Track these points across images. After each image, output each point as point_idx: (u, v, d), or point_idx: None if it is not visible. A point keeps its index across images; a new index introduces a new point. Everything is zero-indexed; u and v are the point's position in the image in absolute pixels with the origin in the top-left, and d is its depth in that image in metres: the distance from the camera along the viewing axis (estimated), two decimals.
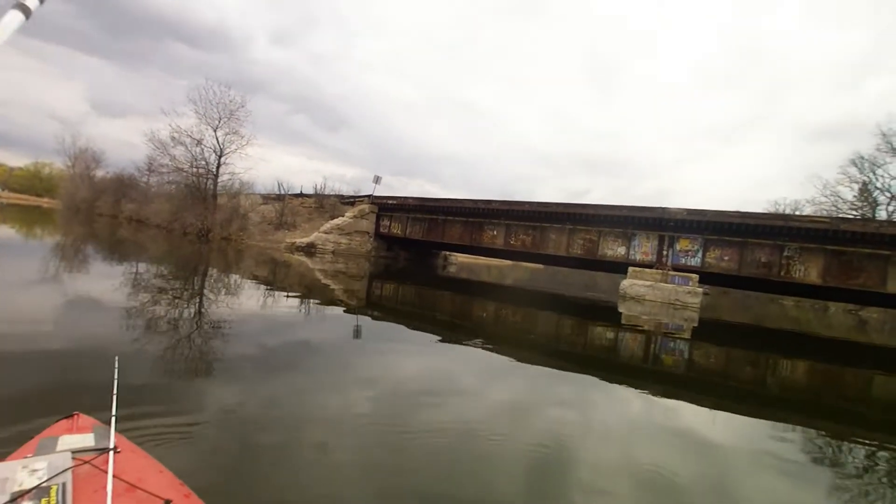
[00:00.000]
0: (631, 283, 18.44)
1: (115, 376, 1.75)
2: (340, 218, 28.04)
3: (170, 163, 27.99)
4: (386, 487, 2.58)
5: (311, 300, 10.15)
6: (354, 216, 27.92)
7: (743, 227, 17.13)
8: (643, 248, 19.12)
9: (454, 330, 8.80)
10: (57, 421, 1.56)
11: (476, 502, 2.55)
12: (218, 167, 28.20)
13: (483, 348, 7.09)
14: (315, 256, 23.45)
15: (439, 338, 7.56)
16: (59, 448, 1.32)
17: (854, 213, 33.21)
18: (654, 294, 17.69)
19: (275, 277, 13.90)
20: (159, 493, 1.21)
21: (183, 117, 27.39)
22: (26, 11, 0.85)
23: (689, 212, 17.88)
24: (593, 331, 11.65)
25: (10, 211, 35.78)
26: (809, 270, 16.45)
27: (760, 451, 4.08)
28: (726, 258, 17.67)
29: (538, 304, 16.87)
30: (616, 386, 5.99)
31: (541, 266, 42.95)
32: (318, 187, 35.43)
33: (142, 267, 11.85)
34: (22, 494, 1.04)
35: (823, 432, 4.99)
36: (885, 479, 3.79)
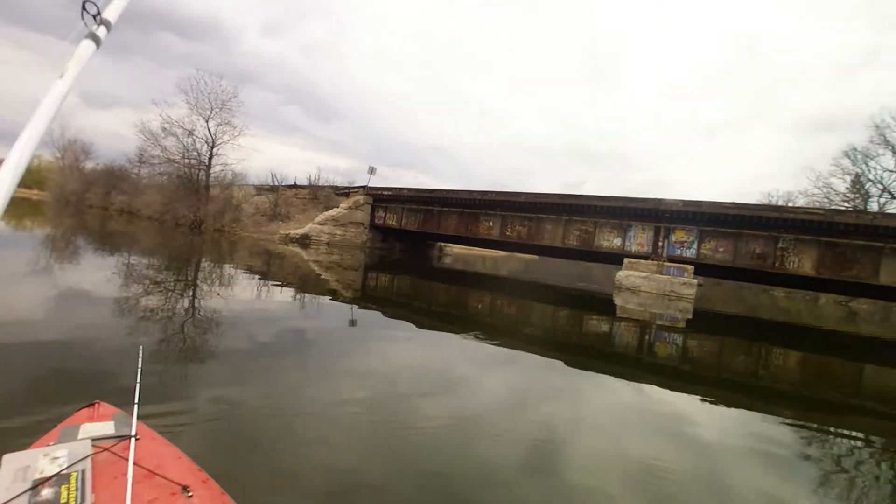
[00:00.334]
0: (627, 275, 18.47)
1: (140, 365, 1.77)
2: (335, 209, 27.83)
3: (161, 154, 27.63)
4: (383, 472, 2.65)
5: (307, 292, 10.07)
6: (349, 207, 27.73)
7: (738, 219, 17.16)
8: (639, 239, 19.13)
9: (450, 321, 8.77)
10: (78, 409, 1.58)
11: (472, 486, 2.63)
12: (210, 158, 27.86)
13: (479, 339, 7.06)
14: (310, 248, 23.30)
15: (435, 329, 7.57)
16: (80, 436, 1.34)
17: (846, 204, 33.39)
18: (650, 285, 17.73)
19: (269, 269, 13.78)
20: (178, 479, 1.24)
21: (174, 108, 26.98)
22: (97, 41, 0.89)
23: (685, 203, 17.87)
24: (589, 322, 11.66)
25: None
26: (803, 262, 16.53)
27: (750, 440, 4.16)
28: (721, 249, 17.71)
29: (534, 295, 16.87)
30: (610, 377, 5.99)
31: (535, 257, 42.96)
32: (313, 178, 35.18)
33: (134, 259, 11.69)
34: (43, 482, 1.05)
35: (813, 422, 5.05)
36: (870, 469, 3.86)
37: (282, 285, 10.34)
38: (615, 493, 2.83)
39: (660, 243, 18.58)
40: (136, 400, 1.57)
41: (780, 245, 16.77)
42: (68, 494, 1.05)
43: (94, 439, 1.32)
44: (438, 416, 3.69)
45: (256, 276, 11.24)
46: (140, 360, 1.83)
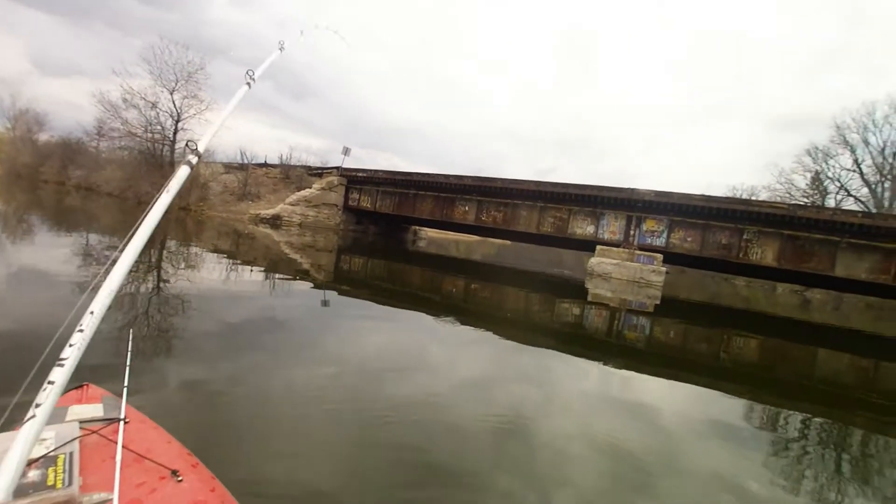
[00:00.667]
0: (599, 262, 18.84)
1: (129, 348, 1.77)
2: (308, 190, 27.17)
3: (122, 127, 26.20)
4: (356, 455, 2.72)
5: (278, 274, 9.81)
6: (322, 188, 27.12)
7: (706, 210, 17.68)
8: (611, 227, 19.49)
9: (424, 304, 8.73)
10: (67, 391, 1.51)
11: (443, 465, 2.72)
12: (175, 133, 26.65)
13: (452, 323, 7.08)
14: (281, 229, 22.73)
15: (408, 312, 7.54)
16: (68, 418, 1.32)
17: (806, 199, 35.01)
18: (621, 272, 18.16)
19: (238, 250, 13.36)
20: (167, 462, 1.22)
21: (136, 78, 25.57)
22: (250, 83, 1.19)
23: (657, 193, 18.27)
24: (561, 306, 11.86)
25: None
26: (766, 253, 17.24)
27: (709, 417, 4.45)
28: (689, 239, 18.25)
29: (507, 279, 17.02)
30: (580, 359, 6.14)
31: (508, 242, 43.40)
32: (284, 157, 34.04)
33: (93, 238, 11.09)
34: (29, 464, 1.02)
35: (767, 401, 5.40)
36: (817, 445, 4.16)
37: (252, 267, 10.04)
38: (579, 463, 3.04)
39: (631, 232, 19.00)
40: (126, 383, 1.55)
41: (744, 237, 17.42)
42: (55, 476, 1.03)
43: (82, 422, 1.30)
44: (411, 393, 3.78)
45: (225, 258, 10.88)
46: (130, 343, 1.82)
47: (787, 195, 35.95)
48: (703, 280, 37.30)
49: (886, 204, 32.16)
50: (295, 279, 9.46)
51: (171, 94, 25.89)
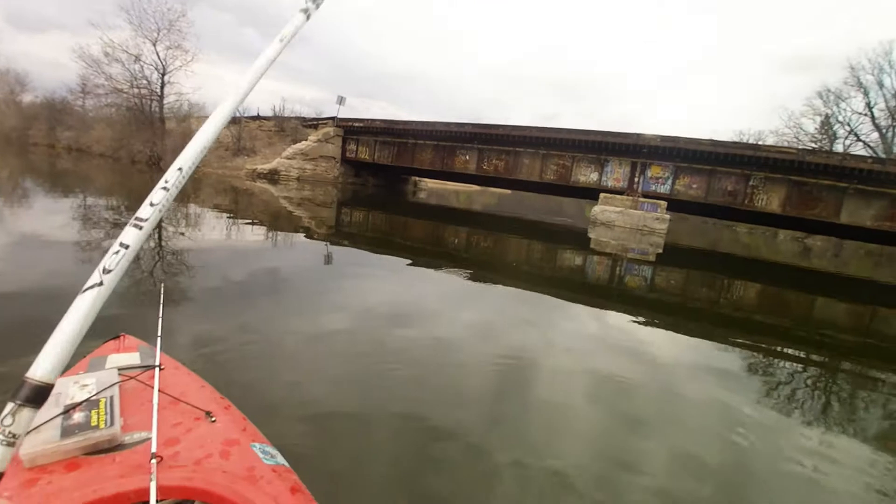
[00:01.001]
0: (602, 209, 18.67)
1: (161, 301, 1.85)
2: (303, 142, 26.49)
3: (106, 83, 25.10)
4: (364, 396, 2.84)
5: (279, 230, 9.74)
6: (318, 140, 26.43)
7: (714, 156, 17.25)
8: (615, 174, 19.13)
9: (426, 256, 8.72)
10: (105, 342, 1.66)
11: (449, 408, 2.83)
12: (162, 87, 25.61)
13: (455, 274, 7.13)
14: (279, 184, 22.39)
15: (412, 264, 7.56)
16: (107, 366, 1.41)
17: (814, 144, 33.97)
18: (624, 220, 18.03)
19: (238, 207, 13.22)
20: (201, 405, 1.30)
21: (116, 31, 24.42)
22: (308, 14, 0.99)
23: (663, 138, 17.77)
24: (563, 255, 11.87)
25: None
26: (771, 200, 16.99)
27: (705, 359, 4.66)
28: (695, 186, 17.95)
29: (509, 229, 16.95)
30: (581, 306, 6.26)
31: (508, 191, 42.95)
32: (277, 109, 32.90)
33: (91, 200, 10.90)
34: (73, 407, 1.12)
35: (763, 344, 5.58)
36: (808, 383, 4.41)
37: (252, 224, 9.94)
38: (579, 402, 3.18)
39: (636, 179, 18.67)
40: (160, 333, 1.63)
41: (751, 183, 17.11)
42: (98, 417, 1.11)
43: (120, 369, 1.39)
44: (415, 343, 3.89)
45: (225, 215, 10.76)
46: (161, 295, 1.90)
47: (795, 140, 34.95)
48: (704, 227, 37.18)
49: (895, 150, 31.38)
50: (297, 234, 9.39)
51: (154, 45, 24.65)
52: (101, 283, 0.59)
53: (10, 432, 0.41)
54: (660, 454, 2.68)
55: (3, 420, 0.42)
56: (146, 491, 0.94)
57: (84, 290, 0.59)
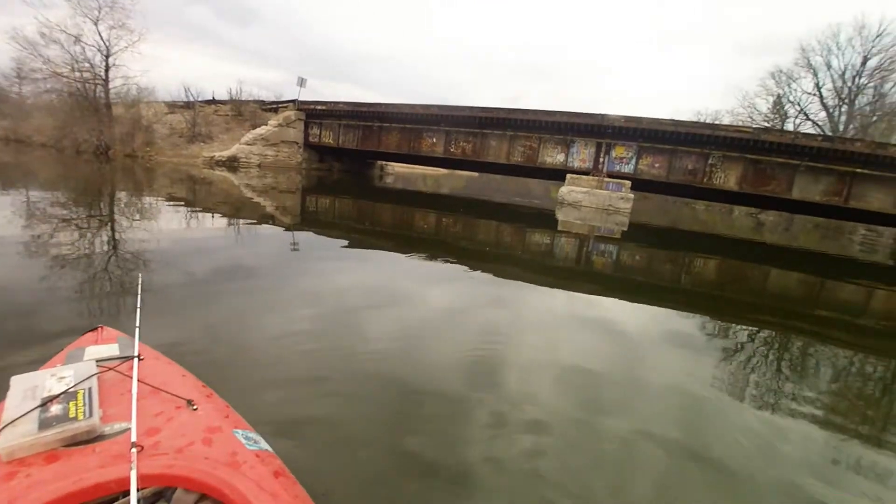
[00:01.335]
0: (569, 190, 18.91)
1: (139, 292, 1.86)
2: (263, 127, 25.47)
3: (44, 66, 23.13)
4: (340, 382, 2.86)
5: (241, 219, 9.36)
6: (279, 124, 25.47)
7: (675, 135, 17.68)
8: (581, 155, 19.36)
9: (395, 241, 8.63)
10: (83, 334, 1.65)
11: (423, 392, 2.86)
12: (107, 70, 23.81)
13: (425, 259, 7.09)
14: (239, 171, 21.52)
15: (380, 251, 7.50)
16: (85, 358, 1.40)
17: (767, 123, 35.48)
18: (590, 200, 18.35)
19: (196, 197, 12.61)
20: (183, 394, 1.30)
21: (52, 9, 22.49)
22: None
23: (627, 119, 18.05)
24: (532, 236, 12.00)
25: None
26: (729, 177, 17.64)
27: (669, 331, 4.91)
28: (657, 165, 18.40)
29: (479, 212, 16.96)
30: (550, 286, 6.36)
31: (475, 174, 42.97)
32: (234, 93, 31.29)
33: (34, 195, 10.13)
34: (51, 399, 1.11)
35: (722, 316, 5.97)
36: (764, 350, 4.72)
37: (213, 214, 9.52)
38: (549, 377, 3.31)
39: (601, 159, 18.96)
40: (138, 323, 1.62)
41: (709, 161, 17.68)
42: (76, 409, 1.10)
43: (98, 360, 1.38)
44: (387, 327, 3.89)
45: (183, 206, 10.24)
46: (139, 286, 1.91)
47: (749, 119, 36.40)
48: (665, 205, 38.39)
49: (841, 128, 33.14)
50: (260, 224, 9.06)
51: (96, 24, 22.82)
52: None
53: None
54: (625, 407, 2.97)
55: None
56: (126, 480, 0.94)
57: None
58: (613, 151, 18.82)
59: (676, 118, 18.18)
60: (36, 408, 1.07)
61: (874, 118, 32.41)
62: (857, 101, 33.47)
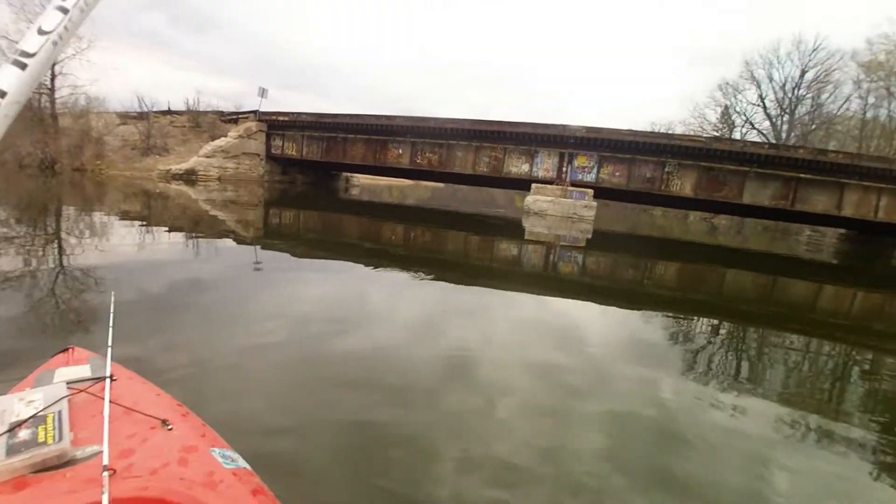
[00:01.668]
0: (535, 199, 19.26)
1: (112, 310, 1.79)
2: (223, 139, 24.73)
3: None
4: (309, 400, 2.80)
5: (201, 235, 9.01)
6: (240, 136, 24.81)
7: (633, 145, 18.38)
8: (545, 164, 19.79)
9: (362, 254, 8.50)
10: (53, 356, 1.59)
11: (393, 393, 2.93)
12: (53, 79, 22.65)
13: (392, 270, 7.03)
14: (198, 185, 20.78)
15: (346, 263, 7.42)
16: (55, 380, 1.35)
17: (716, 132, 37.57)
18: (555, 209, 18.73)
19: (151, 212, 12.06)
20: (157, 413, 1.26)
21: None
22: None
23: (588, 129, 18.63)
24: (499, 245, 12.12)
25: None
26: (685, 184, 18.46)
27: (634, 334, 5.07)
28: (617, 174, 19.04)
29: (447, 223, 17.01)
30: (518, 293, 6.47)
31: (440, 185, 43.21)
32: (191, 103, 30.33)
33: None
34: (19, 424, 1.06)
35: (683, 317, 6.19)
36: (723, 348, 4.99)
37: (169, 230, 9.11)
38: (519, 381, 3.37)
39: (564, 168, 19.43)
40: (110, 343, 1.56)
41: (666, 169, 18.45)
42: (46, 434, 1.06)
43: (69, 382, 1.32)
44: (356, 340, 3.83)
45: (137, 222, 9.76)
46: (112, 304, 1.83)
47: (700, 129, 38.46)
48: (624, 211, 39.74)
49: (784, 136, 35.46)
50: (221, 239, 8.73)
51: None
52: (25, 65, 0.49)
53: None
54: (595, 404, 3.08)
55: None
56: None
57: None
58: (576, 161, 19.34)
59: (634, 129, 18.94)
60: (3, 433, 1.04)
61: (813, 126, 34.86)
62: (797, 111, 35.98)
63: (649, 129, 28.25)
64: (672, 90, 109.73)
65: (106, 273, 5.12)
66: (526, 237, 14.06)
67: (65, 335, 3.44)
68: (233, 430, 2.04)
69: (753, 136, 36.53)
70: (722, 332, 5.66)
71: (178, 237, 8.35)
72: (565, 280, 8.16)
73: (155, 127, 26.65)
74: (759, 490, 2.30)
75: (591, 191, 18.91)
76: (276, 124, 25.38)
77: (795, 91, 35.47)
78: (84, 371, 1.45)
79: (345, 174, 31.87)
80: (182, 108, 29.58)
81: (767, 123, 37.37)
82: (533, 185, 19.63)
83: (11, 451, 1.00)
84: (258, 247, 8.16)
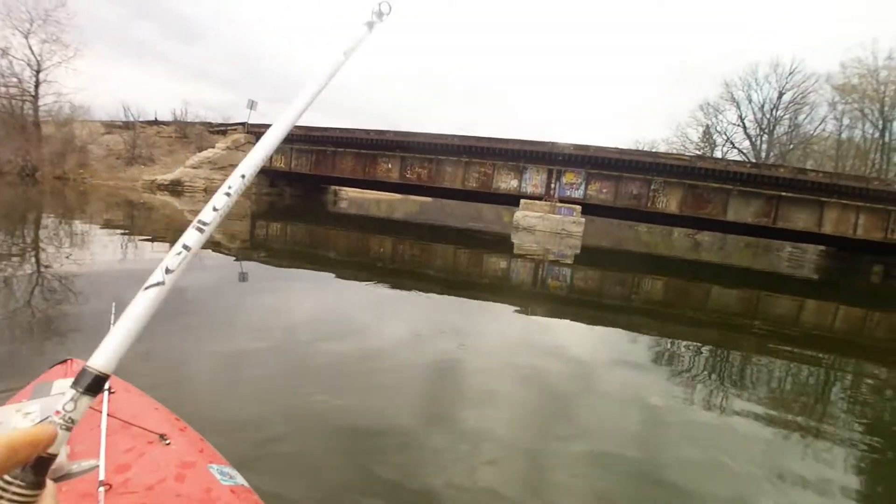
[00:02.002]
0: (524, 215, 19.39)
1: (112, 321, 1.54)
2: (211, 150, 24.54)
3: None
4: (292, 415, 2.71)
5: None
6: (228, 147, 24.64)
7: (620, 163, 18.73)
8: (534, 181, 20.00)
9: (350, 268, 8.43)
10: (51, 367, 1.58)
11: (379, 408, 2.90)
12: (37, 86, 22.39)
13: (380, 285, 6.96)
14: (183, 196, 20.52)
15: (335, 276, 7.32)
16: (53, 392, 1.33)
17: (698, 151, 38.58)
18: (544, 224, 18.88)
19: (134, 223, 11.84)
20: (155, 428, 1.25)
21: None
22: (372, 27, 0.86)
23: (576, 147, 18.92)
24: (489, 261, 12.11)
25: None
26: (670, 201, 18.80)
27: (620, 349, 5.09)
28: (605, 191, 19.32)
29: (436, 237, 16.99)
30: (507, 308, 6.41)
31: (429, 199, 43.38)
32: (178, 113, 30.13)
33: None
34: None
35: (668, 332, 6.20)
36: (707, 363, 5.01)
37: (153, 241, 8.93)
38: (508, 398, 3.34)
39: (552, 185, 19.65)
40: None
41: (652, 187, 18.79)
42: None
43: None
44: (343, 355, 3.76)
45: (119, 233, 9.56)
46: (112, 316, 1.72)
47: (683, 147, 39.42)
48: (610, 228, 40.29)
49: (764, 155, 36.51)
50: (206, 251, 8.56)
51: (26, 37, 21.51)
52: (162, 283, 0.56)
53: (69, 418, 0.44)
54: (583, 419, 3.09)
55: (65, 406, 0.44)
56: None
57: (146, 288, 0.58)
58: (564, 178, 19.59)
59: (621, 147, 19.32)
60: None
61: (791, 146, 35.97)
62: (775, 131, 37.08)
63: (633, 148, 28.85)
64: (657, 109, 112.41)
65: (84, 284, 4.98)
66: (515, 252, 14.09)
67: (63, 346, 3.33)
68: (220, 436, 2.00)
69: (734, 155, 37.53)
70: (705, 349, 5.68)
71: (162, 248, 8.17)
72: (553, 296, 8.17)
73: (141, 136, 26.36)
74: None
75: (579, 207, 19.13)
76: None
77: (774, 112, 36.70)
78: None
79: (333, 187, 31.77)
80: (169, 118, 29.37)
81: (747, 143, 38.53)
82: (522, 201, 19.79)
83: None
84: (243, 260, 8.02)
